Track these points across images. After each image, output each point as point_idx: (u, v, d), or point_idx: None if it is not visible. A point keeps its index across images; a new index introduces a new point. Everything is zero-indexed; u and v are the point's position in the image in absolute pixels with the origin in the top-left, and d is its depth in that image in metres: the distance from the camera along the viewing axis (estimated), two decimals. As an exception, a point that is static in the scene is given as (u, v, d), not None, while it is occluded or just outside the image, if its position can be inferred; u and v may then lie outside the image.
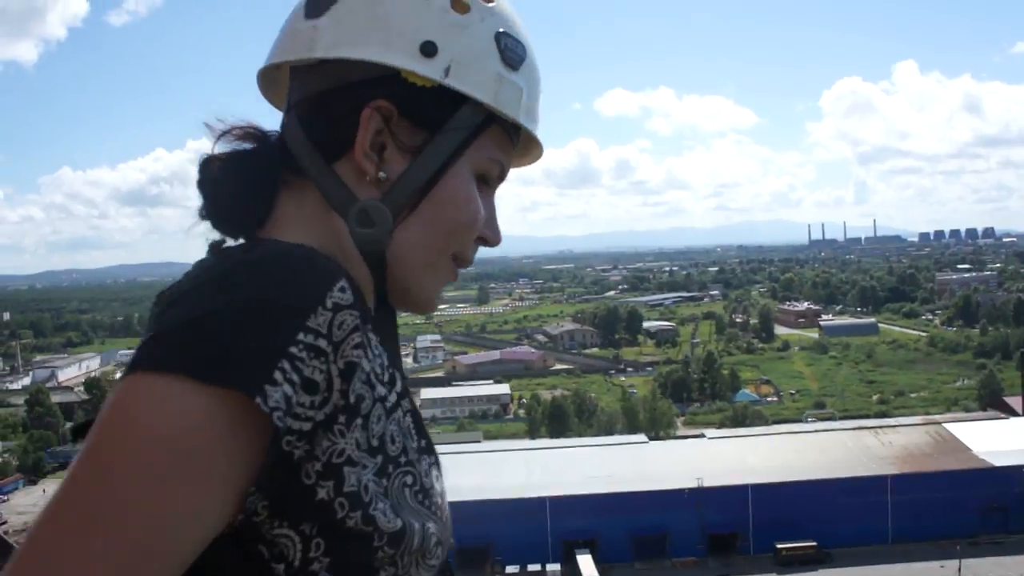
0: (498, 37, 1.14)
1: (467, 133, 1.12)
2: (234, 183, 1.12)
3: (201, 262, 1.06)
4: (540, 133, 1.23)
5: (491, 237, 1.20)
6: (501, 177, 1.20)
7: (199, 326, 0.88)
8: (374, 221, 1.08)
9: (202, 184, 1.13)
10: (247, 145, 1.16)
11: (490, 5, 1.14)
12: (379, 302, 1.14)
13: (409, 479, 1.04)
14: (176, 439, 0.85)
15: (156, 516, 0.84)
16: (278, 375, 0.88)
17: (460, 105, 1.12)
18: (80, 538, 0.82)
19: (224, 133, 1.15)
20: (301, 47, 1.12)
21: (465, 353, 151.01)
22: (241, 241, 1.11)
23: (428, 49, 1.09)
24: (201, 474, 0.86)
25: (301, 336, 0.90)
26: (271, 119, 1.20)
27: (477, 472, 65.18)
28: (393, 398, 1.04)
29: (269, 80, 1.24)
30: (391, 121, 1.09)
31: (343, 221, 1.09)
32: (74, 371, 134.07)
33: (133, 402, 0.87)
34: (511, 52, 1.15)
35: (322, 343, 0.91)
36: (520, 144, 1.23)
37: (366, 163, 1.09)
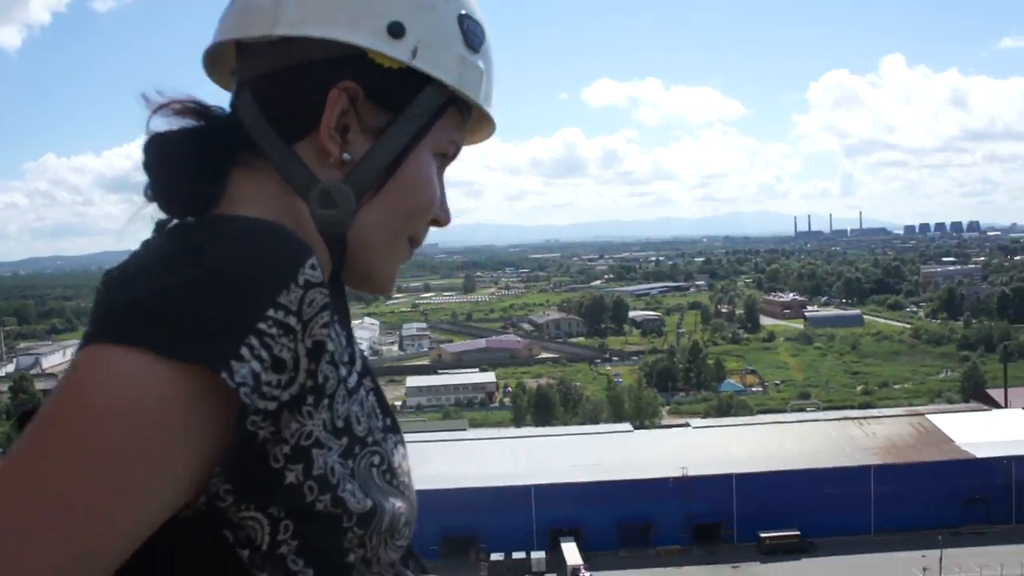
0: (461, 19, 1.14)
1: (430, 115, 1.12)
2: (185, 162, 1.07)
3: (148, 242, 1.04)
4: (494, 112, 1.23)
5: (443, 218, 1.20)
6: (455, 156, 1.21)
7: (161, 298, 0.86)
8: (336, 203, 1.06)
9: (148, 164, 1.09)
10: (190, 121, 1.12)
11: None
12: (330, 282, 1.08)
13: (376, 459, 1.03)
14: (134, 413, 0.82)
15: (109, 492, 0.81)
16: (245, 351, 0.86)
17: (423, 86, 1.11)
18: (27, 512, 0.78)
19: (161, 107, 1.11)
20: (263, 23, 1.08)
21: (451, 341, 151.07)
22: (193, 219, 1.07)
23: (396, 30, 1.08)
24: (158, 450, 0.83)
25: (271, 312, 0.89)
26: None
27: (462, 460, 65.25)
28: (354, 378, 1.03)
29: (209, 56, 1.19)
30: (357, 102, 1.08)
31: (303, 202, 1.07)
32: (58, 358, 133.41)
33: (90, 374, 0.84)
34: (472, 34, 1.15)
35: (292, 320, 0.90)
36: (471, 122, 1.22)
37: (330, 144, 1.07)
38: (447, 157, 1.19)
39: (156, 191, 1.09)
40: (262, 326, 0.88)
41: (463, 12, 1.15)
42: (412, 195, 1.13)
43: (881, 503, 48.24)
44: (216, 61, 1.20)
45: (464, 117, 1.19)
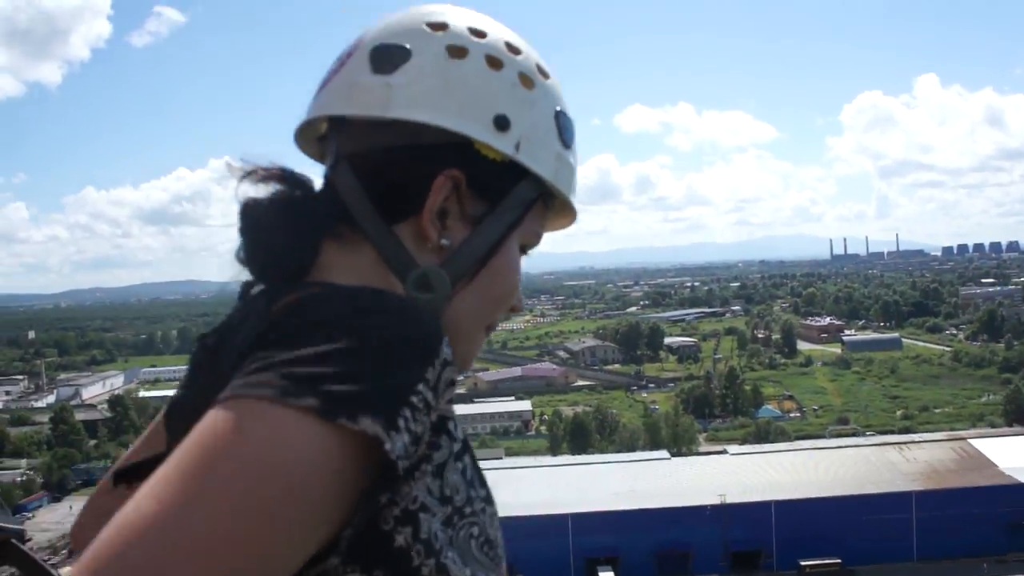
0: (557, 115, 1.19)
1: (523, 207, 1.16)
2: (281, 230, 1.10)
3: (248, 305, 1.09)
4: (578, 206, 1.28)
5: (518, 306, 1.24)
6: (534, 247, 1.24)
7: (328, 362, 0.87)
8: (433, 287, 1.09)
9: (244, 229, 1.13)
10: (276, 187, 1.15)
11: (548, 82, 1.19)
12: None
13: (475, 530, 1.04)
14: (293, 473, 0.81)
15: (255, 548, 0.80)
16: (401, 423, 0.87)
17: (520, 179, 1.15)
18: (174, 560, 0.75)
19: (248, 174, 1.14)
20: (373, 103, 1.11)
21: (487, 370, 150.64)
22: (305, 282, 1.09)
23: (502, 123, 1.12)
24: (310, 512, 0.84)
25: (420, 387, 0.90)
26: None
27: (499, 489, 63.57)
28: (459, 446, 1.05)
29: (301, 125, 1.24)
30: (459, 189, 1.10)
31: (396, 279, 1.10)
32: (98, 389, 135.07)
33: (250, 428, 0.83)
34: (567, 131, 1.20)
35: (430, 396, 0.91)
36: (551, 211, 1.26)
37: (431, 229, 1.10)
38: (531, 247, 1.23)
39: (251, 255, 1.12)
40: (414, 399, 0.89)
41: (558, 109, 1.20)
42: (501, 284, 1.17)
43: (923, 530, 47.66)
44: (301, 128, 1.24)
45: (547, 208, 1.22)
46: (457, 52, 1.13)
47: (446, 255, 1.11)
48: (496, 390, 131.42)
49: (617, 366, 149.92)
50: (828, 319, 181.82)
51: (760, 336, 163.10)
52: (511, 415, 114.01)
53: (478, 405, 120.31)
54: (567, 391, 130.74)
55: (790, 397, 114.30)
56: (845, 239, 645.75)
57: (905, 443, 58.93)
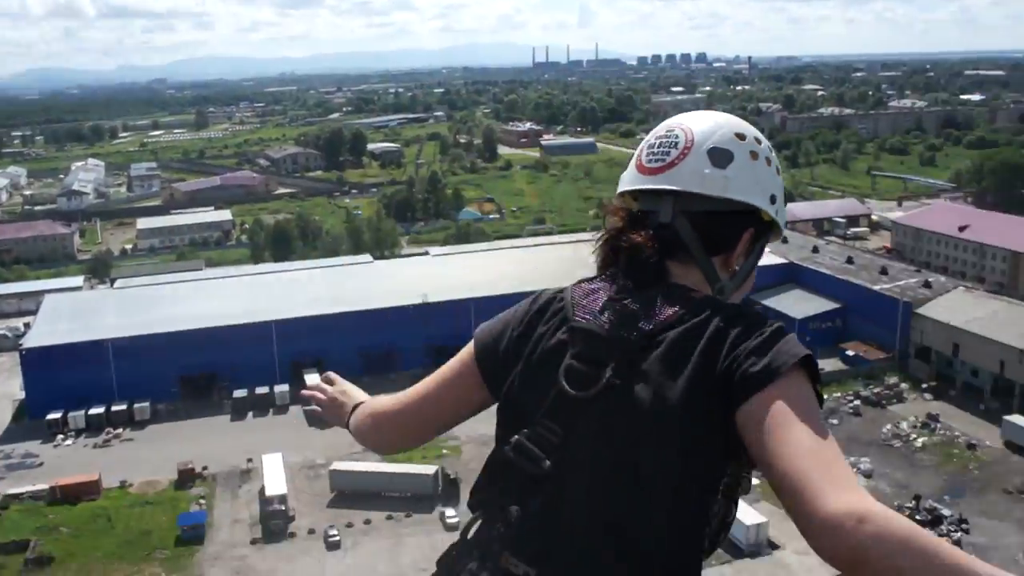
0: (783, 188, 2.07)
1: (766, 242, 2.07)
2: (651, 252, 1.91)
3: (651, 290, 1.88)
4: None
5: None
6: None
7: (809, 358, 1.66)
8: (726, 293, 1.96)
9: (621, 250, 1.96)
10: (625, 220, 2.00)
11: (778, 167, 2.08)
12: None
13: None
14: (818, 410, 1.62)
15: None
16: None
17: (770, 229, 2.05)
18: (832, 450, 1.52)
19: (608, 210, 2.08)
20: (717, 188, 1.94)
21: (183, 180, 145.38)
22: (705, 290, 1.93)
23: (773, 199, 1.99)
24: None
25: None
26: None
27: (200, 300, 63.54)
28: None
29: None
30: (749, 237, 2.00)
31: (709, 288, 1.94)
32: None
33: (808, 388, 1.64)
34: (785, 196, 2.10)
35: None
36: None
37: (735, 263, 1.99)
38: None
39: (631, 266, 1.94)
40: None
41: (783, 184, 2.09)
42: (750, 286, 2.08)
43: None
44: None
45: None
46: (753, 155, 1.98)
47: (731, 274, 1.99)
48: (194, 200, 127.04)
49: (319, 173, 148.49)
50: (528, 124, 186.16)
51: (462, 141, 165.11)
52: (211, 225, 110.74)
53: (175, 217, 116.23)
54: (268, 199, 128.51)
55: (490, 199, 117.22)
56: (547, 47, 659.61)
57: (597, 240, 61.69)
